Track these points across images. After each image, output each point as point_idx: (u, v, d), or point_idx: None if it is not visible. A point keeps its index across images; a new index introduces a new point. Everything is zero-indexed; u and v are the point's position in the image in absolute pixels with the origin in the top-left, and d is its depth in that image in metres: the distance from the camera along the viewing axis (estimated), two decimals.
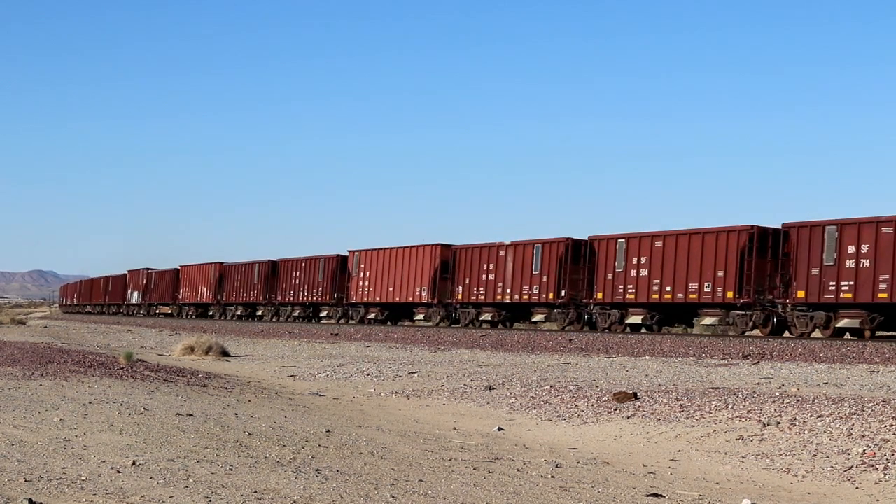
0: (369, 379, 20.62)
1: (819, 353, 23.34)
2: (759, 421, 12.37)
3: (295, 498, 7.19)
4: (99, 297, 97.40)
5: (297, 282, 56.61)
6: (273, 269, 60.01)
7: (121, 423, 10.25)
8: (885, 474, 9.70)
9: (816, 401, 13.40)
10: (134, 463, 7.95)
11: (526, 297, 40.70)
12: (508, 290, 41.54)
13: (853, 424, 11.65)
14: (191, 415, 11.63)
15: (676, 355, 24.21)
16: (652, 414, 13.68)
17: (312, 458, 9.20)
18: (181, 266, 74.11)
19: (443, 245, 45.49)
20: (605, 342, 29.11)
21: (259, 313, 61.72)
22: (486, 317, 42.99)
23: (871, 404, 12.73)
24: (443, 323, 44.89)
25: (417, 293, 46.40)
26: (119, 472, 7.58)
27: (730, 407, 13.44)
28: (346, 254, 52.57)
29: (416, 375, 20.83)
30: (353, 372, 21.99)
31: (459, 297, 44.05)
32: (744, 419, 12.63)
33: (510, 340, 31.80)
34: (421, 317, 46.70)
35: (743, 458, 10.98)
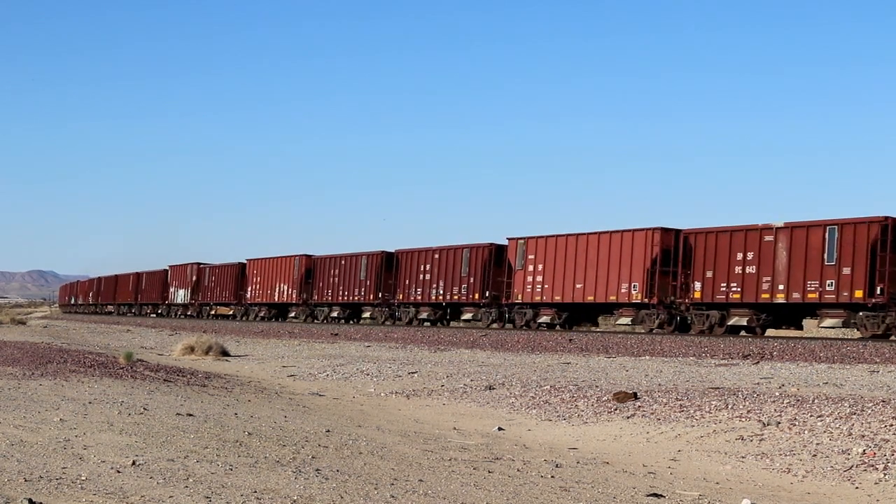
0: (369, 379, 20.61)
1: (819, 353, 23.33)
2: (759, 421, 12.37)
3: (295, 498, 7.18)
4: (126, 295, 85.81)
5: (427, 277, 45.73)
6: (388, 262, 49.08)
7: (121, 423, 10.25)
8: (885, 474, 9.70)
9: (816, 401, 13.40)
10: (134, 463, 7.95)
11: (813, 294, 30.78)
12: (781, 287, 31.56)
13: (853, 424, 11.65)
14: (191, 415, 11.63)
15: (676, 355, 24.21)
16: (652, 414, 13.68)
17: (312, 457, 9.19)
18: (249, 260, 62.74)
19: (664, 228, 35.65)
20: (605, 342, 29.11)
21: (367, 315, 51.14)
22: (737, 320, 32.92)
23: (871, 404, 12.73)
24: (664, 328, 35.29)
25: (623, 290, 36.41)
26: (119, 471, 7.58)
27: (730, 407, 13.43)
28: (504, 242, 42.14)
29: (416, 375, 20.83)
30: (353, 372, 21.99)
31: (696, 294, 33.99)
32: (744, 419, 12.62)
33: (510, 340, 31.81)
34: (626, 320, 36.68)
35: (743, 457, 10.98)
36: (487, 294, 42.43)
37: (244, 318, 61.65)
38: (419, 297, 46.40)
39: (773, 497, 9.15)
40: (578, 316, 40.07)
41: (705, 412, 13.30)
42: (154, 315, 77.38)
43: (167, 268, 76.62)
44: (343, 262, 52.52)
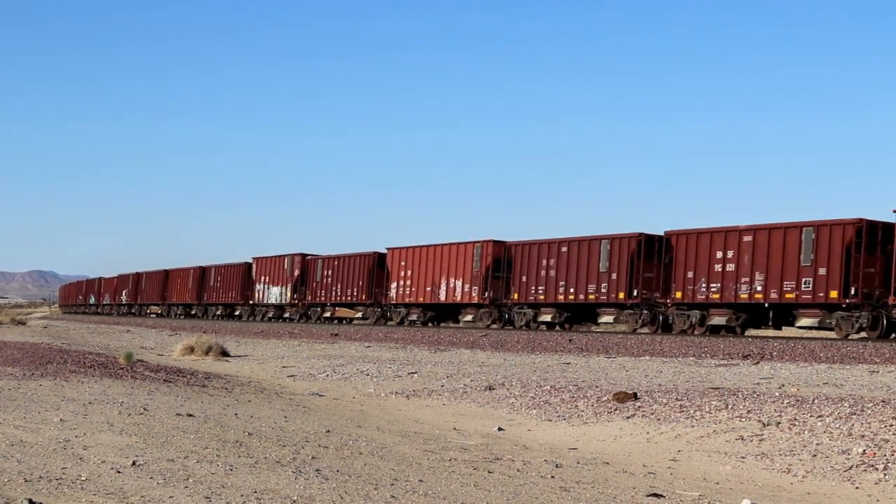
0: (369, 379, 20.61)
1: (819, 353, 23.35)
2: (759, 421, 12.37)
3: (295, 498, 7.18)
4: (184, 294, 72.78)
5: (730, 268, 33.26)
6: (648, 248, 36.70)
7: (121, 423, 10.25)
8: (885, 474, 9.70)
9: (816, 401, 13.40)
10: (134, 463, 7.95)
11: None
12: None
13: (853, 424, 11.65)
14: (191, 415, 11.62)
15: (676, 355, 24.21)
16: (652, 414, 13.68)
17: (312, 458, 9.19)
18: (390, 249, 49.55)
19: None
20: (605, 342, 29.11)
21: (607, 319, 38.33)
22: None
23: (871, 404, 12.73)
24: None
25: None
26: (119, 472, 7.58)
27: (730, 407, 13.43)
28: (869, 220, 30.51)
29: (416, 375, 20.83)
30: (353, 372, 21.98)
31: None
32: (744, 419, 12.62)
33: (510, 340, 31.80)
34: None
35: (743, 458, 10.98)
36: (854, 290, 30.16)
37: (381, 323, 49.16)
38: (712, 295, 33.84)
39: (773, 497, 9.15)
40: None
41: (705, 412, 13.30)
42: (222, 318, 65.86)
43: (251, 260, 64.04)
44: (563, 248, 39.69)
